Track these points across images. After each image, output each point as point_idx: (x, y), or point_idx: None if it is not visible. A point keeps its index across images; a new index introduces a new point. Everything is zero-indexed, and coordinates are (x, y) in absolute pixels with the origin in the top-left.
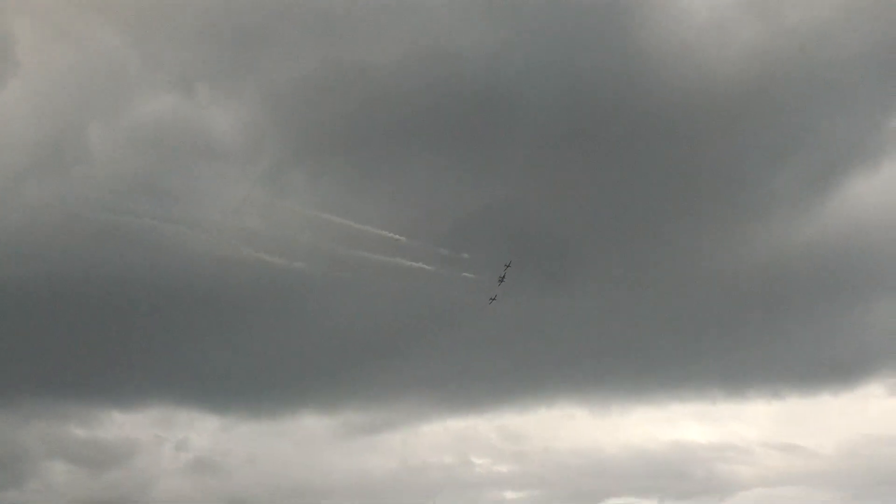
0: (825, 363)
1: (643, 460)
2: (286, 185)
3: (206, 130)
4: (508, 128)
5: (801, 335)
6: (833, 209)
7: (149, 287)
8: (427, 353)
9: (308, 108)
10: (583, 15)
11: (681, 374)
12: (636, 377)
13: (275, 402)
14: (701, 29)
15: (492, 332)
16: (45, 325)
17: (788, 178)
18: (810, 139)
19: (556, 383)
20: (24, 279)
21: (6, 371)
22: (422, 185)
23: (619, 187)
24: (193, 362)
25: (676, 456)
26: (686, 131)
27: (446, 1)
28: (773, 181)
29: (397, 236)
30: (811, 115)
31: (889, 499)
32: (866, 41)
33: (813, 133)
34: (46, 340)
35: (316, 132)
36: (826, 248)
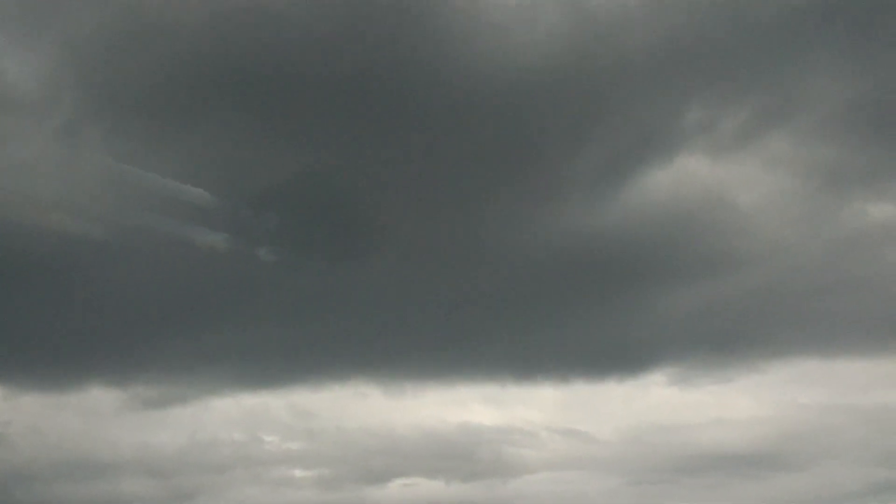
0: (612, 351)
1: (433, 441)
2: (84, 140)
3: None
4: (316, 98)
5: (590, 322)
6: (626, 198)
7: None
8: (219, 327)
9: (111, 60)
10: None
11: (472, 356)
12: (430, 357)
13: (61, 372)
14: (509, 10)
15: (285, 306)
16: None
17: (584, 164)
18: (608, 127)
19: (350, 361)
20: None
21: None
22: (230, 144)
23: (423, 165)
24: None
25: (465, 438)
26: (489, 111)
27: None
28: (570, 166)
29: (201, 190)
30: (609, 102)
31: (664, 485)
32: (667, 31)
33: (610, 121)
34: None
35: (119, 85)
36: (618, 237)
